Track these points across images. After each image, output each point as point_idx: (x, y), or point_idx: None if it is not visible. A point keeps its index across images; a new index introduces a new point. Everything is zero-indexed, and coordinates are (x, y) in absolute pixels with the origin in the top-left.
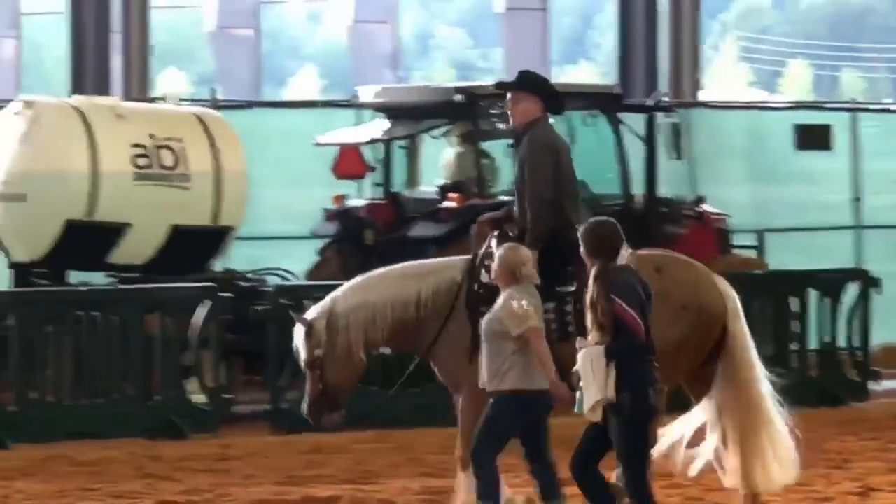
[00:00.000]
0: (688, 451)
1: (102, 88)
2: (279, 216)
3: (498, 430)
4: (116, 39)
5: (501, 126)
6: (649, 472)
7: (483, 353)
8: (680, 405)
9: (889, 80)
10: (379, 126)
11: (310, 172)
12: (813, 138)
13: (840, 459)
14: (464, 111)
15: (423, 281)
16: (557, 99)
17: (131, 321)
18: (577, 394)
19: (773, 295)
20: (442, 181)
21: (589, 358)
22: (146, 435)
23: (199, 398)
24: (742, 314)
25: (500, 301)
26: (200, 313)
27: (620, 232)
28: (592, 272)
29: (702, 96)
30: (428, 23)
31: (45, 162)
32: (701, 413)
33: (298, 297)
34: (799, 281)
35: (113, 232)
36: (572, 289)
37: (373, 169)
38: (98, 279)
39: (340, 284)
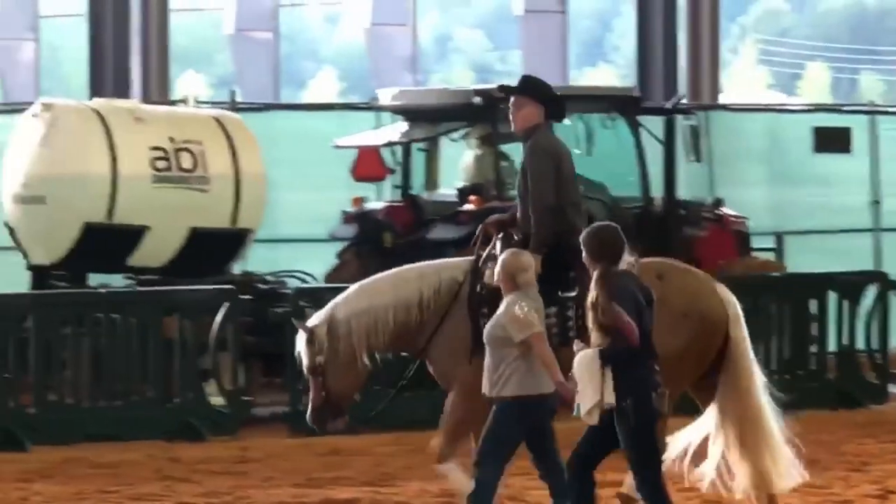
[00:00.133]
0: (696, 463)
1: (121, 91)
2: (298, 219)
3: (502, 436)
4: (135, 42)
5: None
6: (663, 475)
7: (486, 359)
8: (689, 410)
9: None
10: (398, 129)
11: (328, 175)
12: (832, 141)
13: (858, 462)
14: (482, 114)
15: (423, 281)
16: (559, 105)
17: (150, 323)
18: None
19: (792, 297)
20: (461, 184)
21: (583, 362)
22: (165, 437)
23: (217, 400)
24: (743, 321)
25: (502, 307)
26: (219, 316)
27: (622, 237)
28: (594, 275)
29: (721, 99)
30: (446, 25)
31: (64, 165)
32: (707, 420)
33: (317, 299)
34: (818, 283)
35: (132, 234)
36: (574, 294)
37: (392, 171)
38: (117, 281)
39: None
